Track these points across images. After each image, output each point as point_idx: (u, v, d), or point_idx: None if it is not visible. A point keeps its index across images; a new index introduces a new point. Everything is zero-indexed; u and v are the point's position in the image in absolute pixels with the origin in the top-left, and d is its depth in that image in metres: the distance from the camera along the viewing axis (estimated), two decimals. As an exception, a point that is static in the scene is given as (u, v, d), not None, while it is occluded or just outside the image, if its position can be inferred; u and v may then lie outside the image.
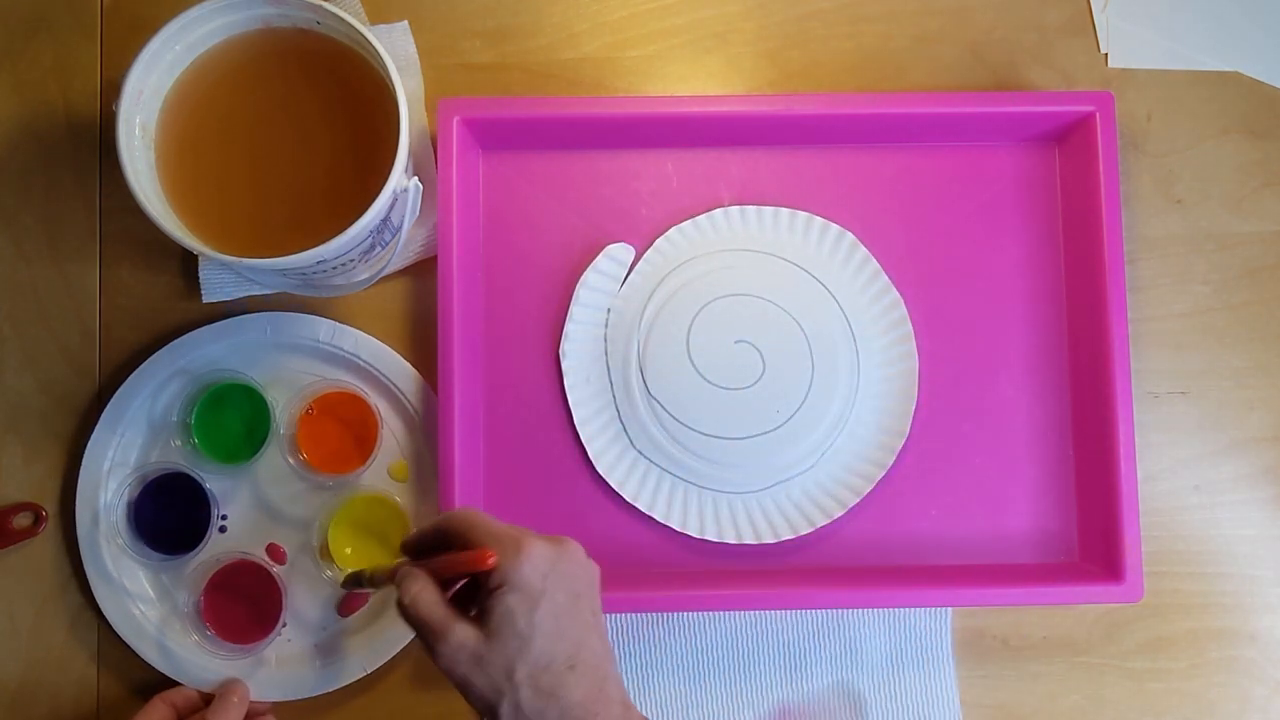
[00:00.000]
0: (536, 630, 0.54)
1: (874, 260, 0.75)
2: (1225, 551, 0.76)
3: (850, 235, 0.75)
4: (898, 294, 0.75)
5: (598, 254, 0.75)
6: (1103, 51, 0.78)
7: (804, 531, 0.73)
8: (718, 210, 0.76)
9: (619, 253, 0.75)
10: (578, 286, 0.74)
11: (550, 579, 0.55)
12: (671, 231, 0.75)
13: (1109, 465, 0.72)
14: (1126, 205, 0.75)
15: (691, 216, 0.76)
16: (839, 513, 0.73)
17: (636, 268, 0.75)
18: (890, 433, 0.74)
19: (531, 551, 0.55)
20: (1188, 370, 0.77)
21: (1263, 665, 0.76)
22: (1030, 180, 0.77)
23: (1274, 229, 0.78)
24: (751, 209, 0.76)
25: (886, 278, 0.75)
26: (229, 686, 0.71)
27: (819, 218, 0.76)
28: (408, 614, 0.56)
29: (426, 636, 0.55)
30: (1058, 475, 0.75)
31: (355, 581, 0.67)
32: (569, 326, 0.74)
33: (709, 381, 0.74)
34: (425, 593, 0.56)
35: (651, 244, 0.75)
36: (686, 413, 0.73)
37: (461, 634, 0.54)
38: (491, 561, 0.54)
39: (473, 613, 0.56)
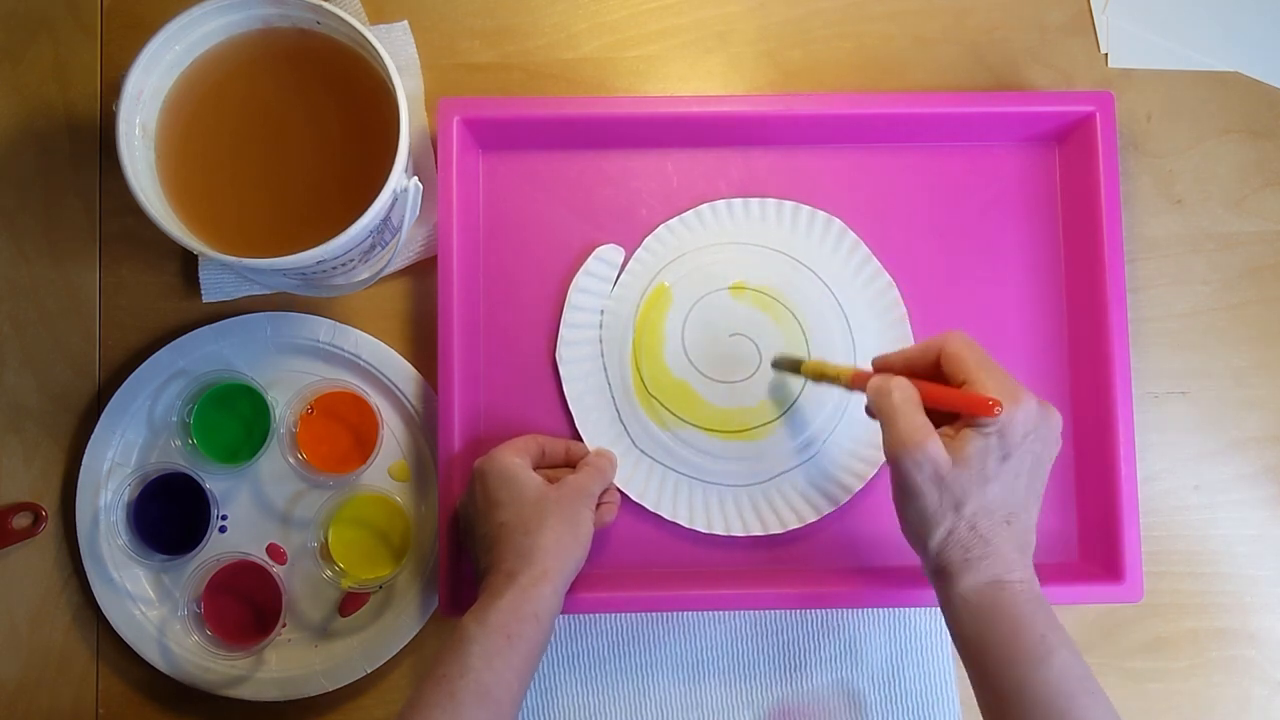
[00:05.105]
0: (997, 477, 0.57)
1: (864, 245, 0.75)
2: (1225, 551, 0.76)
3: (838, 221, 0.75)
4: (889, 277, 0.75)
5: (597, 254, 0.75)
6: (1103, 51, 0.78)
7: (810, 519, 0.73)
8: (704, 205, 0.76)
9: (609, 254, 0.75)
10: (570, 290, 0.74)
11: (1028, 438, 0.57)
12: (660, 229, 0.75)
13: (1109, 465, 0.72)
14: (1126, 205, 0.75)
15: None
16: (844, 498, 0.73)
17: (627, 267, 0.75)
18: None
19: (1026, 405, 0.57)
20: (1188, 370, 0.77)
21: (1263, 665, 0.76)
22: (1030, 180, 0.77)
23: (1274, 229, 0.78)
24: (738, 201, 0.76)
25: (877, 261, 0.75)
26: (603, 455, 0.72)
27: (805, 206, 0.76)
28: (892, 409, 0.58)
29: (901, 435, 0.57)
30: (1057, 475, 0.75)
31: (793, 366, 0.69)
32: (563, 330, 0.74)
33: (706, 376, 0.74)
34: (915, 398, 0.58)
35: (641, 243, 0.75)
36: (685, 409, 0.74)
37: (936, 450, 0.56)
38: (997, 412, 0.55)
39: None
